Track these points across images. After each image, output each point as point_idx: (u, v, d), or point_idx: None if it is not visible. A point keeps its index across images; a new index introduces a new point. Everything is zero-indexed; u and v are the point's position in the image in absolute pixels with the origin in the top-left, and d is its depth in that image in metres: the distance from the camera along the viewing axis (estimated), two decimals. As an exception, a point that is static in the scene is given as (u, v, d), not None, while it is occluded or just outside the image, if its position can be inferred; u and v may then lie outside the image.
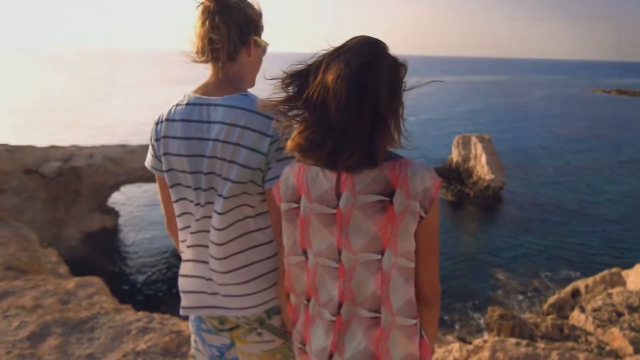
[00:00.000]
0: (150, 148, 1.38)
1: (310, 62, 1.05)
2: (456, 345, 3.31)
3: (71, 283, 4.11)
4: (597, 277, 8.80)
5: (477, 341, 3.33)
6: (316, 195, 1.05)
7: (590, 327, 5.35)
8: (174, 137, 1.27)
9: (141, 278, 13.95)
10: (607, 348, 4.65)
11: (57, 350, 2.86)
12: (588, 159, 29.38)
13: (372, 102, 0.96)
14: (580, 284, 9.19)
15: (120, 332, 3.09)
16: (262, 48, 1.35)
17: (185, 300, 1.37)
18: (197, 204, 1.28)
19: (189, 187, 1.28)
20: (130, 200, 19.81)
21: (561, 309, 8.90)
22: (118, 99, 54.51)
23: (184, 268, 1.36)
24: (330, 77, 0.98)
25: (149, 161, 1.39)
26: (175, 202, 1.34)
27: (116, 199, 18.27)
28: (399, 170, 0.99)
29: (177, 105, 1.30)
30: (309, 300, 1.13)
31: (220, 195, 1.23)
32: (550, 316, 6.77)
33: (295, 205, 1.09)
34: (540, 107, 54.85)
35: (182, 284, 1.37)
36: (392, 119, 1.00)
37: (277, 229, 1.19)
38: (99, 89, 65.13)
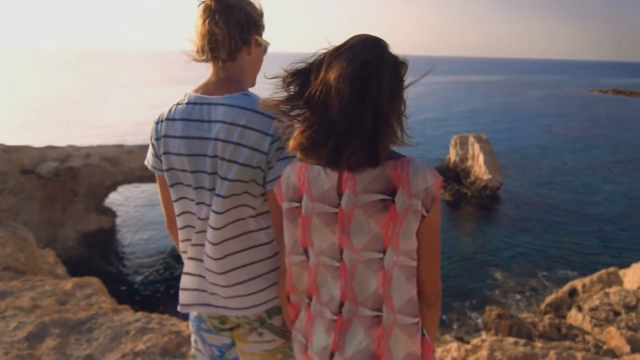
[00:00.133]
0: (150, 147, 1.37)
1: (311, 60, 1.05)
2: (454, 345, 3.31)
3: (69, 283, 4.09)
4: (594, 276, 8.82)
5: (475, 340, 3.33)
6: (318, 194, 1.05)
7: (587, 326, 5.37)
8: (174, 137, 1.27)
9: (139, 278, 13.93)
10: (605, 347, 4.67)
11: (56, 351, 2.85)
12: (585, 158, 29.50)
13: (374, 100, 0.96)
14: (578, 283, 9.22)
15: (119, 332, 3.08)
16: (263, 47, 1.35)
17: (183, 297, 1.37)
18: (201, 203, 1.27)
19: (189, 186, 1.28)
20: (128, 201, 19.78)
21: (558, 309, 8.93)
22: (115, 99, 54.43)
23: (187, 266, 1.36)
24: (332, 75, 0.97)
25: (149, 161, 1.38)
26: (175, 201, 1.33)
27: (113, 199, 18.24)
28: (400, 169, 0.99)
29: (177, 104, 1.29)
30: (310, 299, 1.13)
31: (218, 195, 1.22)
32: (548, 315, 6.79)
33: (296, 204, 1.09)
34: (537, 107, 55.04)
35: (183, 282, 1.37)
36: (394, 117, 1.00)
37: (278, 229, 1.19)
38: (97, 89, 65.04)
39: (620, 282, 7.96)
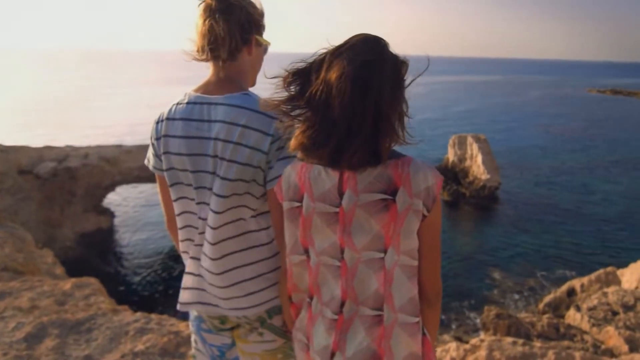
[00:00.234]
0: (150, 147, 1.37)
1: (311, 60, 1.05)
2: (453, 345, 3.32)
3: (68, 284, 4.09)
4: (593, 276, 8.85)
5: (474, 340, 3.34)
6: (318, 193, 1.05)
7: (585, 326, 5.38)
8: (174, 136, 1.26)
9: (137, 279, 13.90)
10: (603, 347, 4.68)
11: (55, 351, 2.85)
12: (583, 158, 29.56)
13: (375, 100, 0.96)
14: (576, 283, 9.24)
15: (118, 333, 3.08)
16: (263, 47, 1.35)
17: (183, 296, 1.37)
18: (202, 203, 1.27)
19: (190, 185, 1.28)
20: (126, 201, 19.74)
21: (557, 308, 8.94)
22: (114, 99, 54.34)
23: (189, 266, 1.36)
24: (333, 75, 0.97)
25: (150, 161, 1.38)
26: (175, 200, 1.33)
27: (111, 199, 18.21)
28: (401, 168, 0.99)
29: (177, 104, 1.29)
30: (311, 298, 1.13)
31: (217, 195, 1.22)
32: (546, 315, 6.81)
33: (297, 204, 1.09)
34: (536, 107, 55.13)
35: (184, 281, 1.37)
36: (395, 117, 1.00)
37: (279, 228, 1.19)
38: (96, 89, 64.92)
39: (618, 282, 7.98)
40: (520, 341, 3.29)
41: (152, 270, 14.24)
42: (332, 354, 1.06)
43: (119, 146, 17.22)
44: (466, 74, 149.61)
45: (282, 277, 1.23)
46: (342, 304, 1.06)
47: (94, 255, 14.86)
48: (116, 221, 17.43)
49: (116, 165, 16.09)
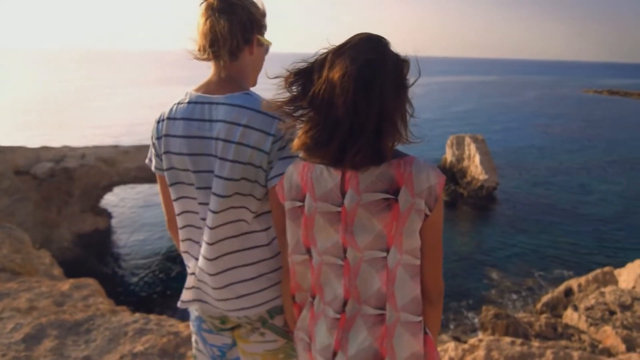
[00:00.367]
0: (151, 147, 1.36)
1: (313, 60, 1.05)
2: (451, 345, 3.32)
3: (66, 285, 4.07)
4: (590, 276, 8.87)
5: (472, 340, 3.34)
6: (321, 193, 1.05)
7: (583, 325, 5.40)
8: (175, 136, 1.26)
9: (134, 280, 13.86)
10: (600, 346, 4.69)
11: (53, 352, 2.84)
12: (581, 159, 29.64)
13: (379, 98, 0.96)
14: (573, 283, 9.26)
15: (117, 333, 3.07)
16: (264, 47, 1.35)
17: (184, 295, 1.37)
18: (204, 204, 1.26)
19: (191, 185, 1.27)
20: (123, 202, 19.68)
21: (554, 308, 8.97)
22: (112, 99, 54.20)
23: (191, 266, 1.36)
24: (336, 74, 0.97)
25: (151, 161, 1.37)
26: (175, 200, 1.33)
27: (109, 200, 18.16)
28: (403, 168, 0.99)
29: (178, 103, 1.28)
30: (314, 297, 1.13)
31: (215, 194, 1.21)
32: (544, 315, 6.82)
33: (299, 203, 1.09)
34: (533, 108, 55.26)
35: (187, 281, 1.37)
36: (398, 116, 1.00)
37: (280, 228, 1.19)
38: (94, 90, 64.74)
39: (615, 282, 8.00)
40: (519, 341, 3.30)
41: (150, 271, 14.20)
42: (334, 353, 1.06)
43: (116, 147, 17.17)
44: (464, 74, 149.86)
45: (285, 277, 1.23)
46: (345, 303, 1.06)
47: (91, 256, 14.82)
48: (113, 222, 17.38)
49: (114, 166, 16.04)
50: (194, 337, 1.49)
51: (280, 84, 1.07)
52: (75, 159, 15.53)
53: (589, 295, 6.30)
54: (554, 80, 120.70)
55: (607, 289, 6.17)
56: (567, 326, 5.51)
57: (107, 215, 17.10)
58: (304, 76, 1.05)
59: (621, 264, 8.46)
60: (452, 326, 11.30)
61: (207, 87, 1.27)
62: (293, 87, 1.06)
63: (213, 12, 1.20)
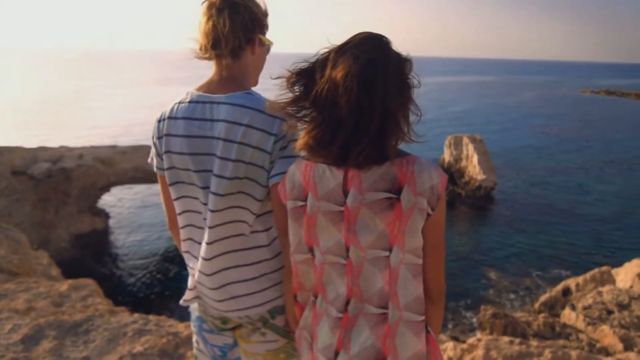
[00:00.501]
0: (152, 147, 1.36)
1: (314, 59, 1.05)
2: (450, 344, 3.33)
3: (64, 285, 4.06)
4: (588, 275, 8.89)
5: (471, 340, 3.35)
6: (323, 192, 1.05)
7: (581, 325, 5.42)
8: (175, 135, 1.25)
9: (132, 280, 13.83)
10: (598, 345, 4.71)
11: (52, 353, 2.83)
12: (578, 159, 29.72)
13: (382, 97, 0.96)
14: (571, 282, 9.28)
15: (116, 334, 3.07)
16: (266, 47, 1.34)
17: (186, 295, 1.37)
18: (206, 204, 1.26)
19: (192, 184, 1.27)
20: (121, 202, 19.64)
21: (552, 308, 8.98)
22: (110, 99, 54.07)
23: (192, 266, 1.36)
24: (339, 73, 0.97)
25: (153, 161, 1.36)
26: (176, 199, 1.32)
27: (106, 200, 18.11)
28: (406, 167, 0.99)
29: (179, 102, 1.28)
30: (316, 297, 1.13)
31: (214, 193, 1.21)
32: (542, 314, 6.84)
33: (301, 203, 1.09)
34: (531, 108, 55.37)
35: (189, 281, 1.37)
36: (401, 114, 1.00)
37: (282, 227, 1.18)
38: (92, 90, 64.56)
39: (613, 281, 8.03)
40: (517, 340, 3.31)
41: (148, 272, 14.17)
42: (336, 353, 1.06)
43: (114, 147, 17.13)
44: (462, 74, 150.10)
45: (287, 276, 1.23)
46: (347, 302, 1.06)
47: (89, 256, 14.78)
48: (111, 222, 17.34)
49: (111, 166, 16.00)
50: (194, 337, 1.48)
51: (282, 84, 1.07)
52: (72, 159, 15.48)
53: (587, 295, 6.33)
54: (551, 81, 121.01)
55: (605, 289, 6.19)
56: (565, 325, 5.52)
57: (104, 215, 17.06)
58: (306, 76, 1.05)
59: (618, 264, 8.49)
60: (450, 326, 11.31)
61: (208, 87, 1.26)
62: (295, 87, 1.06)
63: (215, 11, 1.20)
